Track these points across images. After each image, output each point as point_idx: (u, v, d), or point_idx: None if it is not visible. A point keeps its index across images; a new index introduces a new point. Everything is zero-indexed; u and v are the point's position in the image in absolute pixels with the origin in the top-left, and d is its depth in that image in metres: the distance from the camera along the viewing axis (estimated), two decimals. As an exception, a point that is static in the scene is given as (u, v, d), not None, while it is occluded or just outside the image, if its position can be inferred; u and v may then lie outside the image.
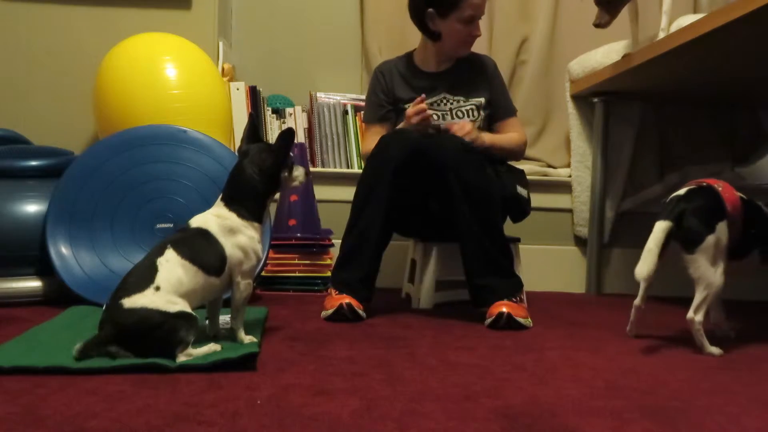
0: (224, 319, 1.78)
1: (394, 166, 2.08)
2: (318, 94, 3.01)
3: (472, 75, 2.38)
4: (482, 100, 2.36)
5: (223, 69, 2.88)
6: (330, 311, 2.01)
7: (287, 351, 1.61)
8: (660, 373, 1.52)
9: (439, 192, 2.10)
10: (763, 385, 1.46)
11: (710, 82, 2.57)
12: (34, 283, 2.17)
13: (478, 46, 3.09)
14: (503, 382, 1.40)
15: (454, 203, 2.05)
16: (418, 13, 2.29)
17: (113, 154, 2.22)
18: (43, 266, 2.15)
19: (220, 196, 1.67)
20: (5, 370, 1.34)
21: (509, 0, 3.13)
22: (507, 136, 2.38)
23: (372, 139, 2.32)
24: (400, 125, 2.26)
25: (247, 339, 1.61)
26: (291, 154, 1.74)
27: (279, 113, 2.98)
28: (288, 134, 1.67)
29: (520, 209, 2.35)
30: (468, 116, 2.34)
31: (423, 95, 2.25)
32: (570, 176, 3.01)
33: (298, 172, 1.74)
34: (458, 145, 2.09)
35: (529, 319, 2.02)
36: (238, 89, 2.90)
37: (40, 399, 1.19)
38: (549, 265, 2.99)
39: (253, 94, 2.94)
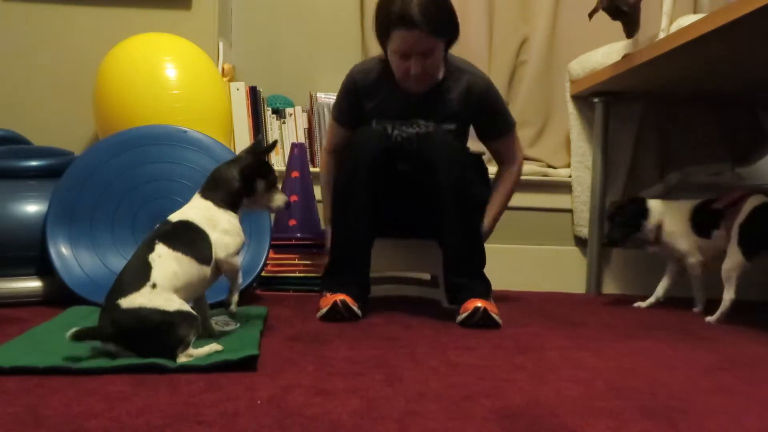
0: (223, 318, 1.78)
1: (369, 164, 2.08)
2: (318, 94, 3.01)
3: (451, 100, 2.20)
4: (452, 126, 2.20)
5: (223, 69, 2.88)
6: (325, 309, 2.01)
7: (287, 351, 1.61)
8: (660, 373, 1.52)
9: (425, 189, 2.10)
10: (763, 385, 1.46)
11: (710, 82, 2.57)
12: (34, 283, 2.17)
13: (478, 45, 3.13)
14: (503, 382, 1.40)
15: (441, 202, 2.06)
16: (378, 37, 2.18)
17: (113, 155, 2.22)
18: (43, 266, 2.15)
19: (197, 192, 1.70)
20: (5, 370, 1.34)
21: (509, 0, 3.14)
22: (501, 194, 2.34)
23: (333, 137, 2.35)
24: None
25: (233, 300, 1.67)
26: (274, 172, 1.77)
27: (279, 113, 2.98)
28: (270, 143, 1.74)
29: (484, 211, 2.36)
30: None
31: None
32: (570, 176, 3.01)
33: (278, 196, 1.78)
34: (451, 144, 2.10)
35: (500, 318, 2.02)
36: (238, 89, 2.90)
37: (40, 399, 1.19)
38: (549, 265, 2.99)
39: (253, 94, 2.94)
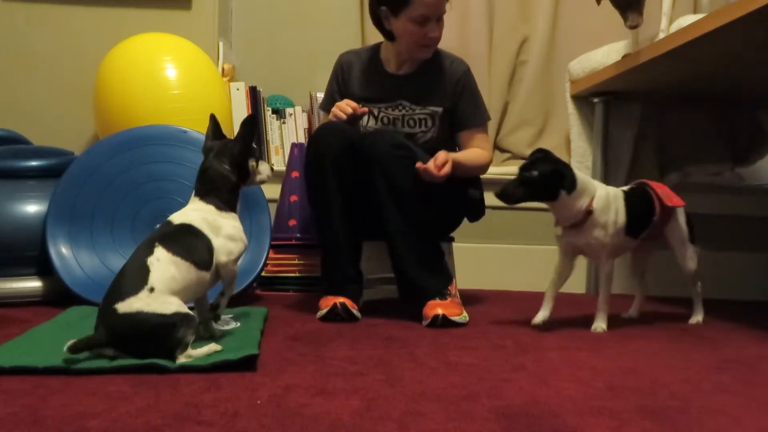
0: (224, 318, 1.78)
1: (332, 160, 2.05)
2: (318, 94, 2.99)
3: (435, 82, 2.25)
4: (439, 110, 2.24)
5: (223, 69, 2.88)
6: (324, 311, 2.01)
7: (287, 351, 1.61)
8: (660, 373, 1.52)
9: (369, 188, 2.08)
10: (763, 385, 1.46)
11: (710, 82, 2.56)
12: (34, 283, 2.17)
13: (479, 45, 3.13)
14: (503, 382, 1.40)
15: (381, 201, 2.05)
16: (374, 11, 2.23)
17: (113, 155, 2.22)
18: (43, 266, 2.15)
19: (193, 193, 1.66)
20: (5, 370, 1.34)
21: (509, 0, 3.14)
22: (470, 153, 2.24)
23: None
24: (328, 117, 2.18)
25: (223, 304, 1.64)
26: (255, 146, 1.76)
27: (279, 113, 2.98)
28: (249, 121, 1.69)
29: (474, 210, 2.35)
30: (419, 126, 2.25)
31: (365, 109, 2.18)
32: (570, 176, 3.00)
33: (264, 167, 1.76)
34: (389, 141, 2.07)
35: (464, 315, 2.03)
36: (238, 89, 2.90)
37: (40, 399, 1.19)
38: (549, 265, 2.98)
39: (253, 94, 2.94)
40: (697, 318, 2.17)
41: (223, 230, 1.61)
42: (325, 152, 2.06)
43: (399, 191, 2.03)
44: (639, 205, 2.05)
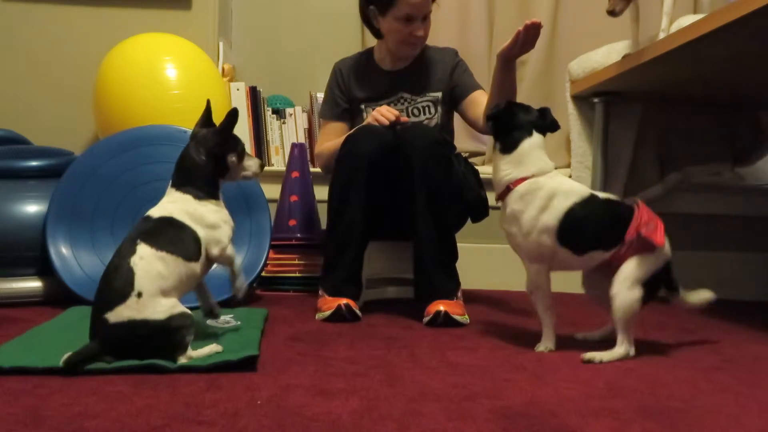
0: (224, 318, 1.77)
1: (368, 161, 2.07)
2: (318, 95, 3.00)
3: (429, 70, 2.35)
4: (438, 95, 2.34)
5: (223, 69, 2.88)
6: (328, 313, 2.01)
7: (287, 351, 1.61)
8: (660, 373, 1.52)
9: (404, 185, 2.09)
10: (763, 385, 1.46)
11: (710, 82, 2.56)
12: (34, 283, 2.17)
13: (478, 45, 3.13)
14: (503, 382, 1.40)
15: (414, 196, 2.06)
16: (363, 11, 2.30)
17: (113, 155, 2.22)
18: (43, 266, 2.15)
19: (170, 184, 1.61)
20: (5, 370, 1.34)
21: (509, 0, 3.14)
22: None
23: (328, 137, 2.34)
24: (367, 120, 2.22)
25: (240, 286, 1.64)
26: (240, 140, 1.69)
27: (279, 113, 2.98)
28: (231, 113, 1.62)
29: (483, 211, 2.36)
30: (424, 113, 2.34)
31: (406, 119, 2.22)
32: (570, 176, 3.00)
33: (251, 162, 1.71)
34: (431, 137, 2.10)
35: (466, 316, 2.04)
36: (238, 89, 2.90)
37: (40, 399, 1.19)
38: (549, 265, 2.99)
39: (253, 94, 2.94)
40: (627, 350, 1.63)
41: (205, 220, 1.57)
42: (363, 153, 2.08)
43: (434, 188, 2.05)
44: (600, 218, 1.65)
